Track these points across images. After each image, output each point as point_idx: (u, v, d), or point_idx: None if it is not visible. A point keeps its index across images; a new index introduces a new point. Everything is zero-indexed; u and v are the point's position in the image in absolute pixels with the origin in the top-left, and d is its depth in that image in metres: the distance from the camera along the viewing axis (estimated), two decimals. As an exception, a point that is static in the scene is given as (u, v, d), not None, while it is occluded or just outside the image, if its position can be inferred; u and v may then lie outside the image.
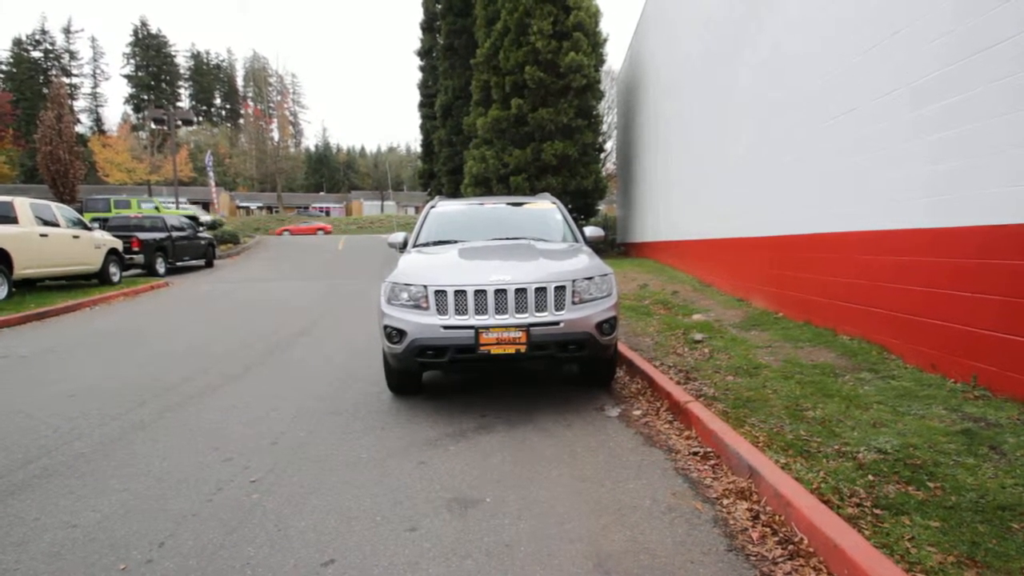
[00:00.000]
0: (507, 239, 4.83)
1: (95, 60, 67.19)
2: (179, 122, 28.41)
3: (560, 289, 3.65)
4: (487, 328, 3.51)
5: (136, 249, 12.99)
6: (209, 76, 76.16)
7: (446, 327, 3.56)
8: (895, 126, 4.36)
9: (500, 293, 3.59)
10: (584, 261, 4.06)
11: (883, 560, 1.82)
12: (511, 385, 4.52)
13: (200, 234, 16.40)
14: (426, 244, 4.89)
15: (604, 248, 15.79)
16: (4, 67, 57.70)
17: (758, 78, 7.02)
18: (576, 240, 4.97)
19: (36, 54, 60.52)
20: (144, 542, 2.33)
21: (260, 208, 58.25)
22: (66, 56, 63.02)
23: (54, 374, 5.12)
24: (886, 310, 4.46)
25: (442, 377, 4.77)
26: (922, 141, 4.07)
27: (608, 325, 3.76)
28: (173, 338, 6.75)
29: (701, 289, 8.55)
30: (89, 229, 10.90)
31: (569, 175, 14.86)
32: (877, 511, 2.22)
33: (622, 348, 5.05)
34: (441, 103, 21.97)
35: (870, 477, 2.50)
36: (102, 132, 53.52)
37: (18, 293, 9.29)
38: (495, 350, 3.51)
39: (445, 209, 5.56)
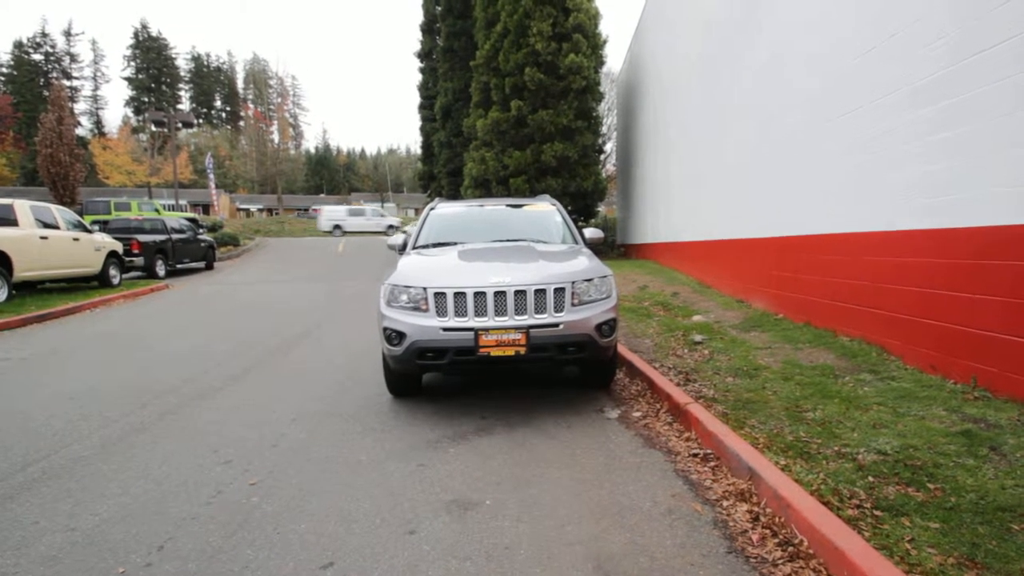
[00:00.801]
0: (507, 241, 4.83)
1: (95, 63, 67.44)
2: (179, 124, 28.46)
3: (559, 291, 3.65)
4: (487, 330, 3.51)
5: (136, 251, 12.99)
6: (209, 78, 76.30)
7: (446, 329, 3.56)
8: (896, 127, 4.37)
9: (499, 295, 3.58)
10: (583, 263, 4.06)
11: (883, 562, 1.81)
12: (511, 387, 4.51)
13: (200, 236, 16.41)
14: (425, 246, 4.89)
15: (604, 249, 15.80)
16: (5, 70, 57.88)
17: (758, 79, 7.03)
18: (576, 242, 4.96)
19: (37, 57, 60.71)
20: (143, 546, 2.33)
21: (260, 210, 58.28)
22: (67, 59, 63.25)
23: (54, 376, 5.12)
24: (886, 311, 4.46)
25: (442, 379, 4.77)
26: (922, 142, 4.07)
27: (607, 327, 3.76)
28: (173, 340, 6.75)
29: (701, 290, 8.55)
30: (89, 231, 10.91)
31: (569, 177, 14.88)
32: (877, 513, 2.21)
33: (622, 350, 5.05)
34: (441, 105, 22.01)
35: (870, 478, 2.49)
36: (102, 135, 53.64)
37: (18, 296, 9.29)
38: (495, 352, 3.50)
39: (445, 211, 5.56)
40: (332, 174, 75.51)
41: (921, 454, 2.69)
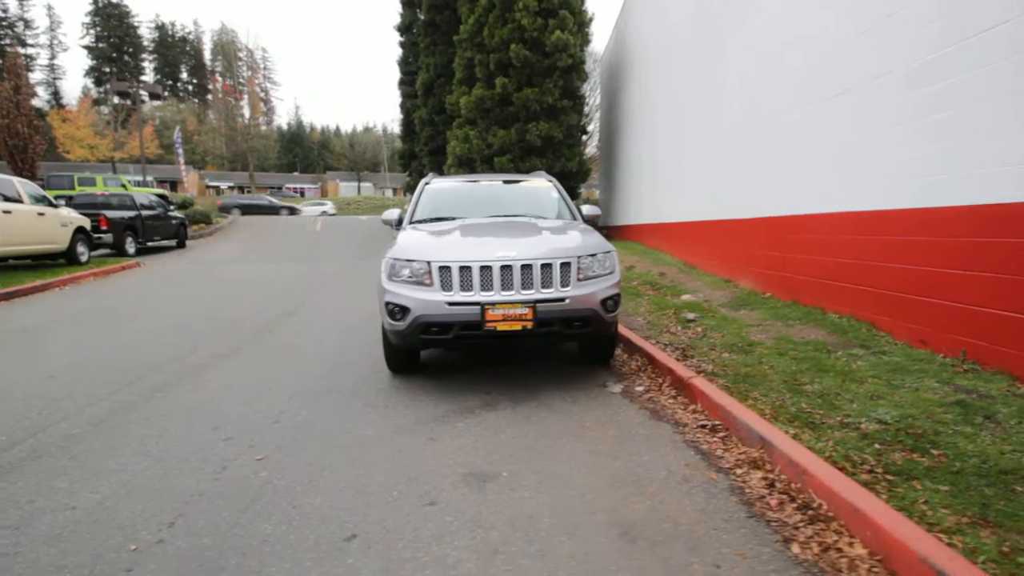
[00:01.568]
0: (506, 216, 4.77)
1: (52, 30, 63.59)
2: (145, 96, 27.20)
3: (566, 265, 3.63)
4: (493, 304, 3.47)
5: (104, 228, 12.44)
6: (175, 49, 72.84)
7: (451, 303, 3.51)
8: (888, 108, 4.43)
9: (506, 269, 3.54)
10: (587, 238, 4.04)
11: (905, 521, 1.87)
12: (510, 363, 4.50)
13: (171, 213, 15.82)
14: (423, 221, 4.79)
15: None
16: (-50, 35, 54.16)
17: (748, 59, 7.03)
18: (574, 218, 4.93)
19: (-13, 22, 56.97)
20: (152, 522, 2.25)
21: (231, 188, 56.45)
22: (20, 24, 59.52)
23: (29, 355, 4.89)
24: (876, 288, 4.57)
25: (439, 356, 4.72)
26: (915, 123, 4.13)
27: (612, 302, 3.76)
28: (153, 319, 6.51)
29: (687, 271, 8.64)
30: (55, 206, 10.39)
31: (554, 156, 14.77)
32: (888, 477, 2.28)
33: (619, 327, 5.07)
34: (423, 81, 21.48)
35: (876, 446, 2.57)
36: (61, 106, 50.78)
37: (-20, 272, 8.83)
38: (501, 326, 3.47)
39: (441, 186, 5.46)
40: (306, 152, 73.39)
41: (920, 423, 2.78)
